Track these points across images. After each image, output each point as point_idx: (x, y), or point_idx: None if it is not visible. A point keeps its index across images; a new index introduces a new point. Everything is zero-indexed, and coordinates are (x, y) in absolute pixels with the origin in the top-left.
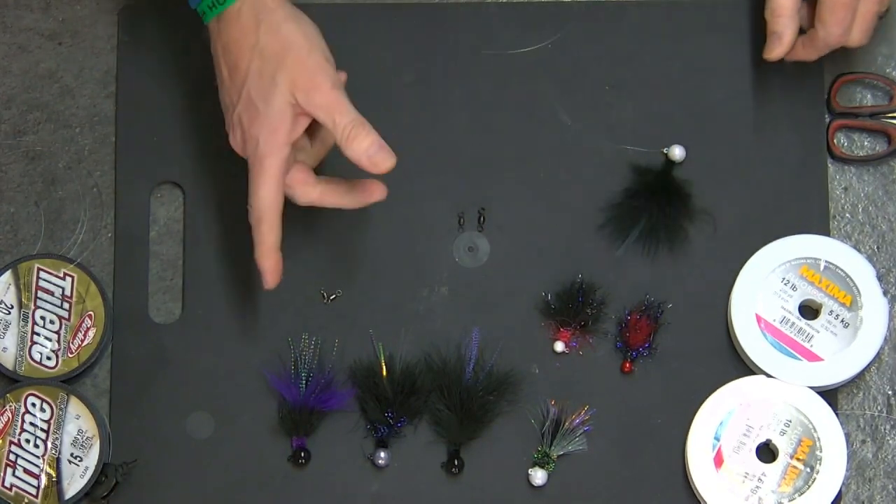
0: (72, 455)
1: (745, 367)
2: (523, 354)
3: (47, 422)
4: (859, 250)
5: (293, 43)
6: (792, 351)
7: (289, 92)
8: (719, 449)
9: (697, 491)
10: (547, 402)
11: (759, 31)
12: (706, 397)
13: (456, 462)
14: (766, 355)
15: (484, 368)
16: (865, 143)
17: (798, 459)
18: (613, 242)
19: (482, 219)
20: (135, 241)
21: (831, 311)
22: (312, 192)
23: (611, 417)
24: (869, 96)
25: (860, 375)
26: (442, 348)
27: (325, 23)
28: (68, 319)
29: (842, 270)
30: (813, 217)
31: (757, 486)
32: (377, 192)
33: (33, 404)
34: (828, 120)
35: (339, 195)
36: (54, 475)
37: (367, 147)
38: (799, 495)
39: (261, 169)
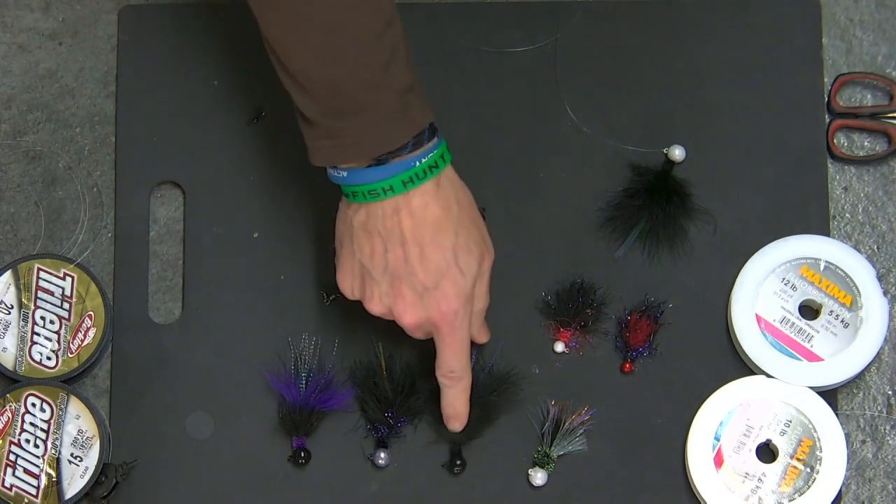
0: (72, 455)
1: (745, 367)
2: (523, 354)
3: (47, 422)
4: (859, 250)
5: (476, 212)
6: (792, 351)
7: (475, 261)
8: (719, 449)
9: (697, 491)
10: (547, 402)
11: (759, 31)
12: (706, 397)
13: (458, 462)
14: (766, 355)
15: (484, 368)
16: (865, 143)
17: (798, 459)
18: (613, 242)
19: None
20: (135, 241)
21: (831, 312)
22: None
23: (611, 417)
24: (869, 96)
25: (860, 375)
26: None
27: None
28: (68, 319)
29: (842, 270)
30: (813, 217)
31: (757, 486)
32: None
33: (33, 404)
34: (828, 120)
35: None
36: (54, 475)
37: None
38: (799, 495)
39: (465, 337)
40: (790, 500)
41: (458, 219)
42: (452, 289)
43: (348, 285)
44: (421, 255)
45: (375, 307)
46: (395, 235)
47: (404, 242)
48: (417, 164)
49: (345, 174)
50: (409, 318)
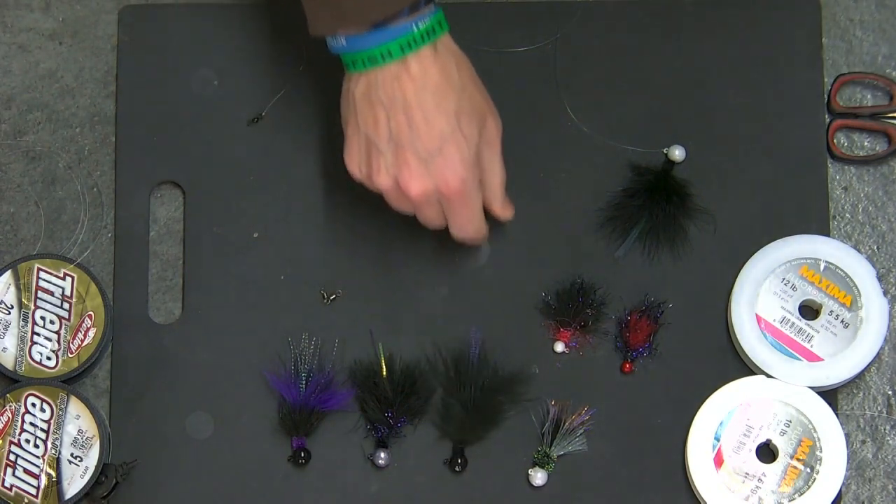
0: (72, 455)
1: (745, 367)
2: (523, 354)
3: (47, 422)
4: (859, 250)
5: (478, 82)
6: (792, 351)
7: (475, 127)
8: (719, 449)
9: (697, 491)
10: (547, 402)
11: (759, 31)
12: (706, 397)
13: (460, 460)
14: (766, 355)
15: (488, 367)
16: (865, 143)
17: (798, 459)
18: (613, 242)
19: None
20: (135, 241)
21: (831, 312)
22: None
23: (611, 417)
24: (869, 96)
25: (860, 375)
26: (442, 348)
27: None
28: (68, 319)
29: (842, 270)
30: (813, 217)
31: (757, 486)
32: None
33: (33, 404)
34: (828, 120)
35: None
36: (54, 475)
37: (505, 196)
38: (799, 495)
39: (475, 203)
40: (790, 500)
41: (458, 84)
42: (457, 154)
43: (355, 163)
44: (424, 120)
45: (382, 180)
46: (397, 102)
47: (406, 108)
48: (415, 28)
49: (344, 42)
50: (416, 186)
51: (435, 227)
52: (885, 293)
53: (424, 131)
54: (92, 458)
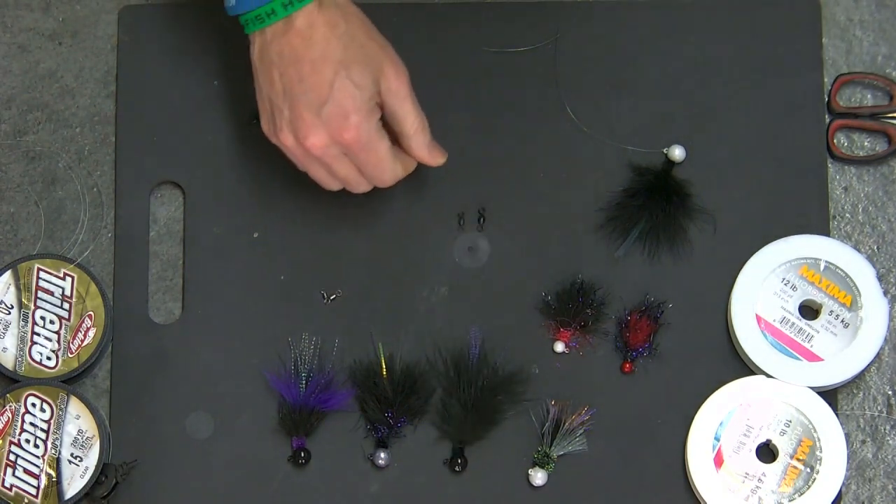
0: (72, 455)
1: (745, 367)
2: (523, 354)
3: (47, 422)
4: (859, 250)
5: (370, 32)
6: (792, 351)
7: (370, 77)
8: (719, 449)
9: (697, 491)
10: (547, 402)
11: (759, 31)
12: (706, 397)
13: (460, 460)
14: (766, 355)
15: (489, 367)
16: (865, 143)
17: (798, 459)
18: (613, 242)
19: (482, 219)
20: (135, 241)
21: (831, 312)
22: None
23: (611, 417)
24: (869, 96)
25: (860, 375)
26: (442, 348)
27: None
28: (68, 319)
29: (842, 270)
30: (813, 217)
31: (757, 486)
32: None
33: (33, 404)
34: (828, 120)
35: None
36: (54, 475)
37: (429, 142)
38: (799, 495)
39: (378, 149)
40: (790, 500)
41: (347, 34)
42: (349, 101)
43: (267, 126)
44: (312, 72)
45: (284, 137)
46: (286, 57)
47: (295, 62)
48: None
49: (233, 2)
50: (313, 139)
51: (354, 184)
52: (885, 293)
53: (313, 82)
54: (92, 458)
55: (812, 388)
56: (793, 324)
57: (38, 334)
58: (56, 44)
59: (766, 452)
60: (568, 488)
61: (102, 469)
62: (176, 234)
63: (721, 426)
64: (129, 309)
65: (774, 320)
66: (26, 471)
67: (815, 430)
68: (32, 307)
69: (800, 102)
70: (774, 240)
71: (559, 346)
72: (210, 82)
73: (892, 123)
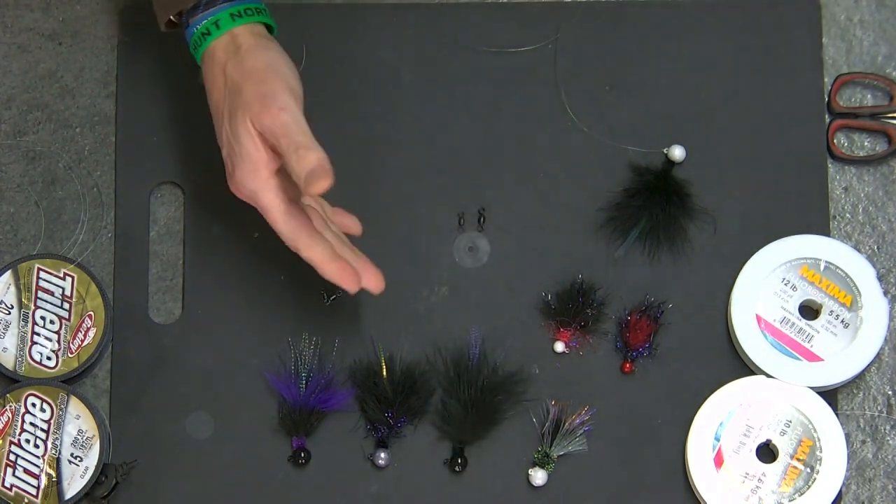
0: (72, 455)
1: (745, 367)
2: (523, 354)
3: (47, 422)
4: (859, 250)
5: (252, 72)
6: (792, 351)
7: (248, 122)
8: (719, 449)
9: (697, 491)
10: (547, 402)
11: (759, 31)
12: (706, 397)
13: (460, 460)
14: (766, 355)
15: (489, 367)
16: (865, 143)
17: (798, 459)
18: (613, 242)
19: (482, 219)
20: (135, 241)
21: (831, 312)
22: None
23: (611, 417)
24: (869, 96)
25: (860, 375)
26: (442, 348)
27: (324, 23)
28: (68, 319)
29: (842, 270)
30: (813, 217)
31: (757, 487)
32: (368, 280)
33: (33, 404)
34: (828, 120)
35: (322, 255)
36: (54, 475)
37: (304, 168)
38: (799, 495)
39: (263, 209)
40: (790, 500)
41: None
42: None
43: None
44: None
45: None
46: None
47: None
48: (195, 29)
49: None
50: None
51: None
52: (885, 293)
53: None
54: (92, 458)
55: (812, 388)
56: (793, 324)
57: (38, 334)
58: (56, 44)
59: (766, 452)
60: (568, 488)
61: (102, 469)
62: (176, 234)
63: (721, 426)
64: (129, 309)
65: (774, 320)
66: (26, 471)
67: (815, 430)
68: (32, 307)
69: (800, 102)
70: (774, 240)
71: (559, 346)
72: None
73: (892, 123)
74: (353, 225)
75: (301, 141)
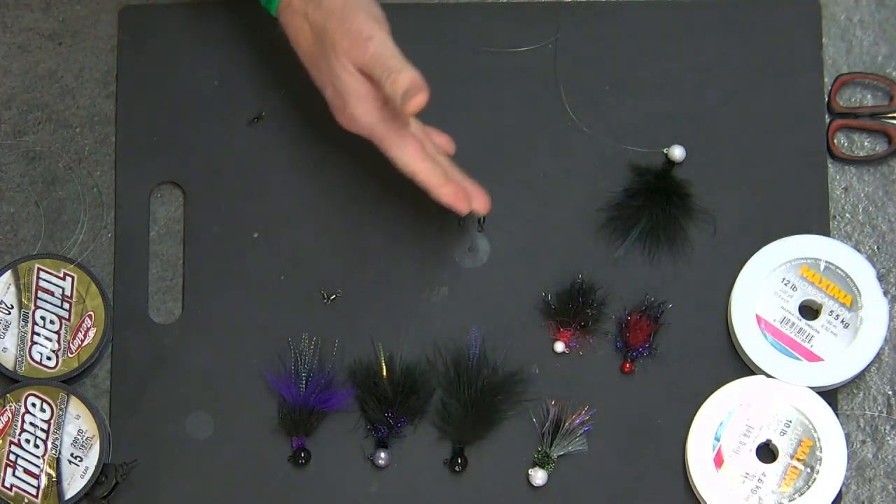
0: (72, 455)
1: (745, 367)
2: (523, 354)
3: (47, 422)
4: (859, 250)
5: (332, 11)
6: (792, 351)
7: (342, 59)
8: (719, 449)
9: (697, 491)
10: (547, 402)
11: (759, 31)
12: (706, 397)
13: (460, 460)
14: (766, 355)
15: (489, 367)
16: (865, 143)
17: (798, 460)
18: (613, 242)
19: (482, 219)
20: (135, 241)
21: (831, 312)
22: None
23: (611, 417)
24: (869, 96)
25: (860, 375)
26: (442, 348)
27: None
28: (68, 319)
29: (842, 270)
30: (813, 217)
31: (757, 487)
32: (477, 202)
33: (33, 404)
34: (828, 120)
35: (438, 178)
36: (54, 475)
37: (398, 90)
38: (799, 495)
39: (379, 138)
40: (790, 501)
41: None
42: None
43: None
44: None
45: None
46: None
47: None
48: None
49: None
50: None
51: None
52: (885, 293)
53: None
54: (92, 458)
55: (812, 388)
56: (793, 324)
57: (38, 334)
58: (56, 44)
59: (766, 452)
60: (568, 488)
61: (102, 469)
62: (176, 234)
63: (721, 426)
64: (129, 309)
65: (774, 320)
66: (26, 471)
67: (815, 430)
68: (32, 307)
69: (800, 102)
70: (774, 240)
71: (559, 346)
72: (210, 82)
73: (892, 123)
74: (447, 144)
75: (392, 65)
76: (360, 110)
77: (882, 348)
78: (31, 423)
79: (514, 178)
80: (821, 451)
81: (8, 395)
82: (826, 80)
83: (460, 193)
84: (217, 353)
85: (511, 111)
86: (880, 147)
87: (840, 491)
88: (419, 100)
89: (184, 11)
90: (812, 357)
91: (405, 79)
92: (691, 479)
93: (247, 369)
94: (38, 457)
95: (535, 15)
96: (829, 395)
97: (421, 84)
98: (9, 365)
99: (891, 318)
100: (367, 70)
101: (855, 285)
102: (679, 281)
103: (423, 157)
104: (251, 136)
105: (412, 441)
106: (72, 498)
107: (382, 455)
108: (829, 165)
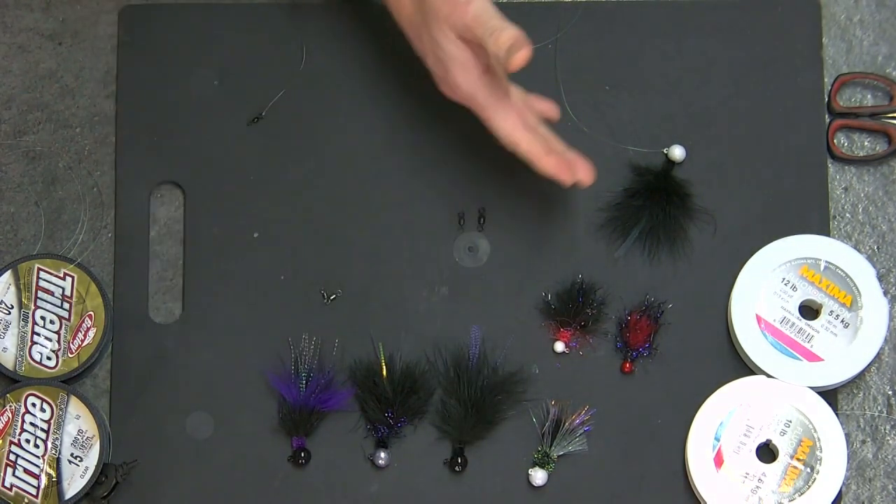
0: (72, 455)
1: (745, 367)
2: (523, 354)
3: (47, 422)
4: (859, 250)
5: None
6: (792, 351)
7: (443, 26)
8: (719, 449)
9: (697, 491)
10: (547, 402)
11: (759, 31)
12: (706, 397)
13: (460, 460)
14: (766, 355)
15: (489, 367)
16: (865, 143)
17: (798, 459)
18: (613, 242)
19: (482, 219)
20: (135, 241)
21: (831, 312)
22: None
23: (611, 417)
24: (869, 96)
25: (860, 375)
26: (442, 348)
27: (324, 23)
28: (68, 319)
29: (842, 270)
30: (813, 217)
31: (757, 487)
32: (581, 173)
33: (33, 404)
34: (828, 120)
35: (540, 148)
36: (54, 475)
37: (501, 47)
38: (799, 495)
39: (480, 107)
40: (790, 500)
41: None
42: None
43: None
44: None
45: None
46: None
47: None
48: None
49: None
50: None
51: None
52: (885, 293)
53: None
54: (92, 458)
55: (812, 388)
56: (793, 324)
57: (38, 334)
58: (56, 44)
59: (767, 452)
60: (568, 488)
61: (102, 469)
62: (176, 234)
63: (721, 426)
64: (129, 309)
65: (774, 320)
66: (26, 471)
67: (815, 430)
68: (32, 307)
69: (800, 102)
70: (774, 240)
71: (559, 346)
72: (210, 82)
73: (892, 123)
74: (550, 110)
75: (493, 24)
76: (461, 78)
77: (882, 348)
78: (32, 423)
79: (514, 178)
80: (821, 451)
81: (8, 395)
82: (826, 80)
83: (563, 164)
84: (217, 353)
85: None
86: (880, 147)
87: (840, 491)
88: (523, 54)
89: (184, 11)
90: (812, 357)
91: (508, 35)
92: (691, 479)
93: (247, 369)
94: (38, 457)
95: (535, 15)
96: (829, 395)
97: (524, 40)
98: (9, 365)
99: (891, 318)
100: (469, 33)
101: (855, 285)
102: (679, 281)
103: (524, 127)
104: (251, 136)
105: (412, 441)
106: (72, 498)
107: (382, 455)
108: (829, 165)
